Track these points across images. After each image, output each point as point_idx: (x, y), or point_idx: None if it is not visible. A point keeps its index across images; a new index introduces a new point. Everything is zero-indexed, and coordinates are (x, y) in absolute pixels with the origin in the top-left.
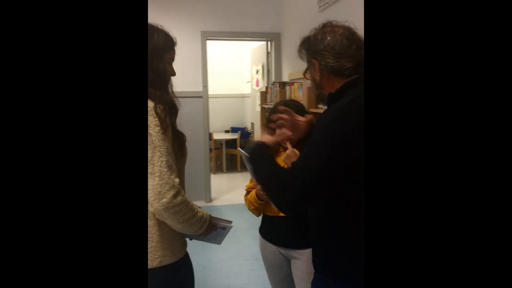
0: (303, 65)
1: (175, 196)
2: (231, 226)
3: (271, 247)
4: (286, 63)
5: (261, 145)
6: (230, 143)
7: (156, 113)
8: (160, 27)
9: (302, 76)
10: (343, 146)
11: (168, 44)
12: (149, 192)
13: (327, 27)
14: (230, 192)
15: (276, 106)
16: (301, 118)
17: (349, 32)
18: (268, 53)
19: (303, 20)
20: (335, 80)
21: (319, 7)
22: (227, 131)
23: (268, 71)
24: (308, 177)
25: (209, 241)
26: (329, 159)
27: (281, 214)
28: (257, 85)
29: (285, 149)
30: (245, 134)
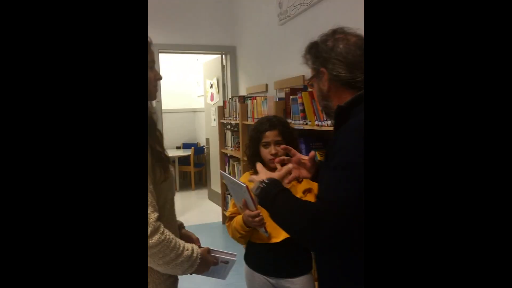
0: (262, 79)
1: (150, 235)
2: (235, 260)
3: (259, 277)
4: (243, 77)
5: (274, 180)
6: (183, 160)
7: None
8: None
9: (261, 90)
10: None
11: None
12: None
13: (338, 34)
14: (186, 212)
15: (261, 124)
16: (303, 157)
17: (362, 42)
18: (223, 66)
19: (261, 33)
20: (344, 92)
21: (280, 20)
22: (178, 148)
23: (224, 85)
24: (344, 208)
25: (212, 275)
26: (362, 184)
27: (271, 241)
28: (212, 100)
29: (272, 169)
30: (198, 150)
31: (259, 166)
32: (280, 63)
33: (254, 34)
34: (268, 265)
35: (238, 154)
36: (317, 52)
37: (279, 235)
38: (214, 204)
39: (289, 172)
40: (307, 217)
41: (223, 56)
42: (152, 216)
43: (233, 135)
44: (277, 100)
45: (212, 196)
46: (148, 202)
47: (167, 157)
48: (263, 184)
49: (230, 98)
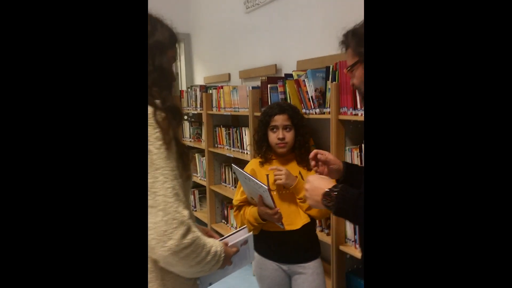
0: (223, 68)
1: (184, 235)
2: (251, 233)
3: (272, 264)
4: (200, 66)
5: (343, 186)
6: None
7: (157, 122)
8: (163, 20)
9: (223, 80)
10: None
11: (172, 40)
12: (149, 233)
13: None
14: None
15: (271, 108)
16: (331, 157)
17: None
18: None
19: (223, 21)
20: None
21: (246, 8)
22: None
23: (177, 74)
24: None
25: (240, 266)
26: None
27: (288, 229)
28: None
29: (279, 155)
30: None
31: (311, 177)
32: (246, 52)
33: (213, 21)
34: (282, 252)
35: (199, 145)
36: (362, 37)
37: (297, 223)
38: None
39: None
40: None
41: (176, 44)
42: (185, 213)
43: (192, 126)
44: (251, 89)
45: None
46: (180, 198)
47: (188, 151)
48: (335, 192)
49: (188, 88)
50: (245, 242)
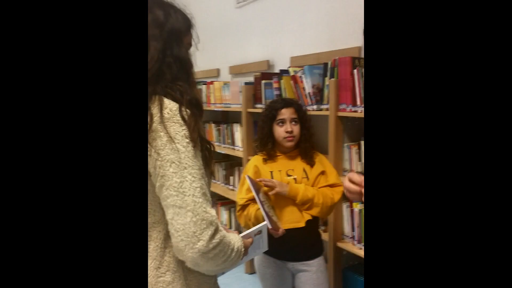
0: (212, 63)
1: (213, 235)
2: (266, 223)
3: (276, 262)
4: None
5: None
6: None
7: (183, 118)
8: (175, 4)
9: (212, 75)
10: None
11: (187, 25)
12: (177, 235)
13: None
14: None
15: (275, 102)
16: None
17: None
18: None
19: (212, 16)
20: None
21: (237, 3)
22: None
23: None
24: None
25: (254, 255)
26: None
27: (289, 227)
28: None
29: (283, 151)
30: None
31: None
32: (237, 48)
33: (203, 16)
34: (286, 250)
35: None
36: None
37: (301, 221)
38: None
39: None
40: None
41: None
42: (213, 212)
43: None
44: (243, 85)
45: None
46: (207, 198)
47: (212, 146)
48: None
49: None
50: (259, 232)
